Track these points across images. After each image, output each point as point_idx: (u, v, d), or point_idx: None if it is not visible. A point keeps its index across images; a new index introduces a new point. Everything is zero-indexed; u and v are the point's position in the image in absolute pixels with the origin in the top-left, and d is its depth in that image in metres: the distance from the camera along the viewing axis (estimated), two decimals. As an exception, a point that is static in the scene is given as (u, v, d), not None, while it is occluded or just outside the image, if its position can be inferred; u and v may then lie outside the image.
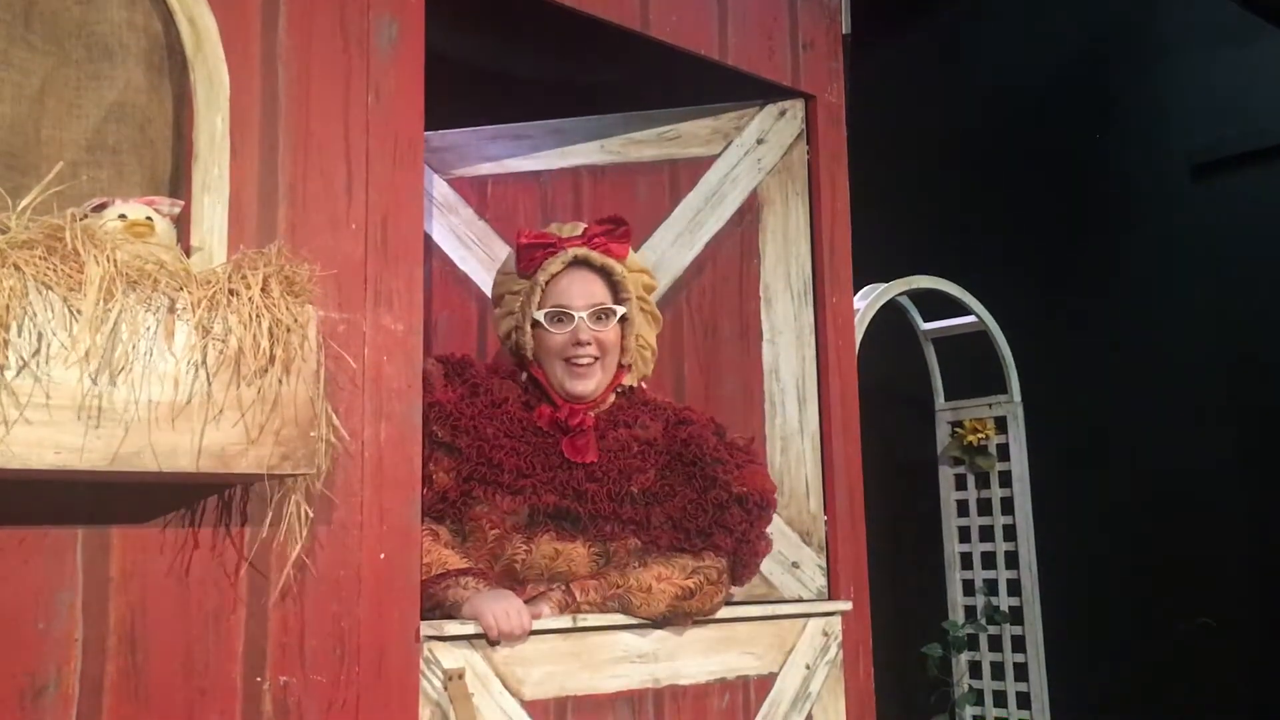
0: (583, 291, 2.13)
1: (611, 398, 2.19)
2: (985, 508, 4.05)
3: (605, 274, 2.16)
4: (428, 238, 2.58)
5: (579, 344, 2.10)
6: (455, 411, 2.07)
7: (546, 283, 2.13)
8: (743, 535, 2.08)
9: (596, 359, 2.12)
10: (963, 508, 4.11)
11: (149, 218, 1.41)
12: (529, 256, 2.15)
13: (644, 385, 2.30)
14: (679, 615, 2.01)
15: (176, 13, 1.53)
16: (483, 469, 2.03)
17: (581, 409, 2.13)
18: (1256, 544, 3.69)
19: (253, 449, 1.36)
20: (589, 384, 2.12)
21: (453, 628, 1.76)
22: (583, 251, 2.14)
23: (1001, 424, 4.01)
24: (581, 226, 2.21)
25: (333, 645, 1.59)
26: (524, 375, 2.19)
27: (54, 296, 1.24)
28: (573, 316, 2.11)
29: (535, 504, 2.02)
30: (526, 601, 1.93)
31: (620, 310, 2.15)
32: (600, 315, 2.13)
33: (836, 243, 2.51)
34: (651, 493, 2.09)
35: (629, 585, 1.98)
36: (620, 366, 2.18)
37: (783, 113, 2.54)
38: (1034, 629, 3.86)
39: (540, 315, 2.12)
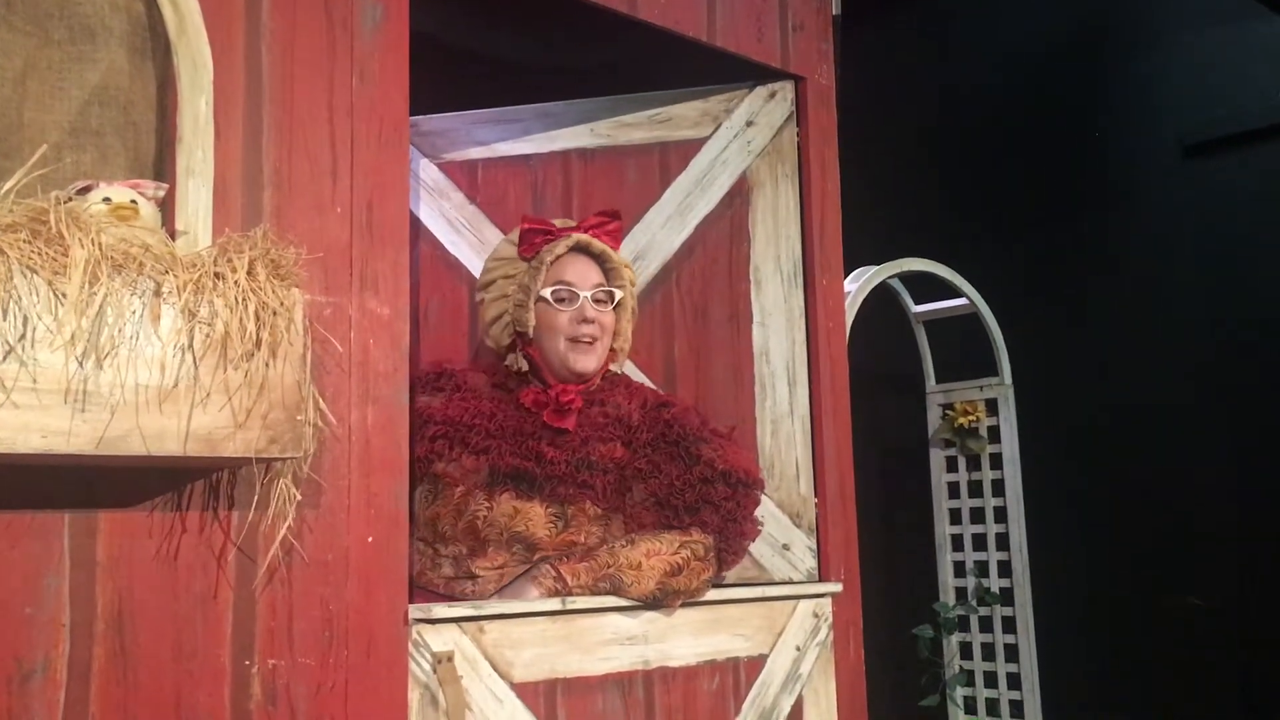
0: (584, 274, 2.23)
1: (597, 381, 2.26)
2: (976, 490, 4.06)
3: (602, 261, 2.25)
4: (418, 222, 2.58)
5: (584, 321, 2.18)
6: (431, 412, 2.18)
7: (552, 262, 2.20)
8: (729, 513, 2.11)
9: (596, 339, 2.20)
10: (953, 490, 4.12)
11: (134, 201, 1.40)
12: (530, 240, 2.23)
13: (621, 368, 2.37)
14: (668, 593, 2.02)
15: (159, -6, 1.52)
16: (447, 428, 2.14)
17: (574, 389, 2.19)
18: (1247, 525, 3.70)
19: (240, 433, 1.36)
20: (592, 360, 2.20)
21: (441, 610, 1.76)
22: (584, 238, 2.24)
23: (992, 406, 4.02)
24: (573, 221, 2.31)
25: (321, 628, 1.59)
26: (510, 358, 2.24)
27: (39, 280, 1.23)
28: (578, 295, 2.20)
29: (496, 464, 2.10)
30: (514, 582, 1.97)
31: (619, 295, 2.24)
32: (600, 298, 2.22)
33: (827, 225, 2.51)
34: (626, 468, 2.15)
35: (619, 564, 2.00)
36: (610, 351, 2.26)
37: (772, 95, 2.53)
38: (1024, 610, 3.88)
39: (547, 292, 2.19)
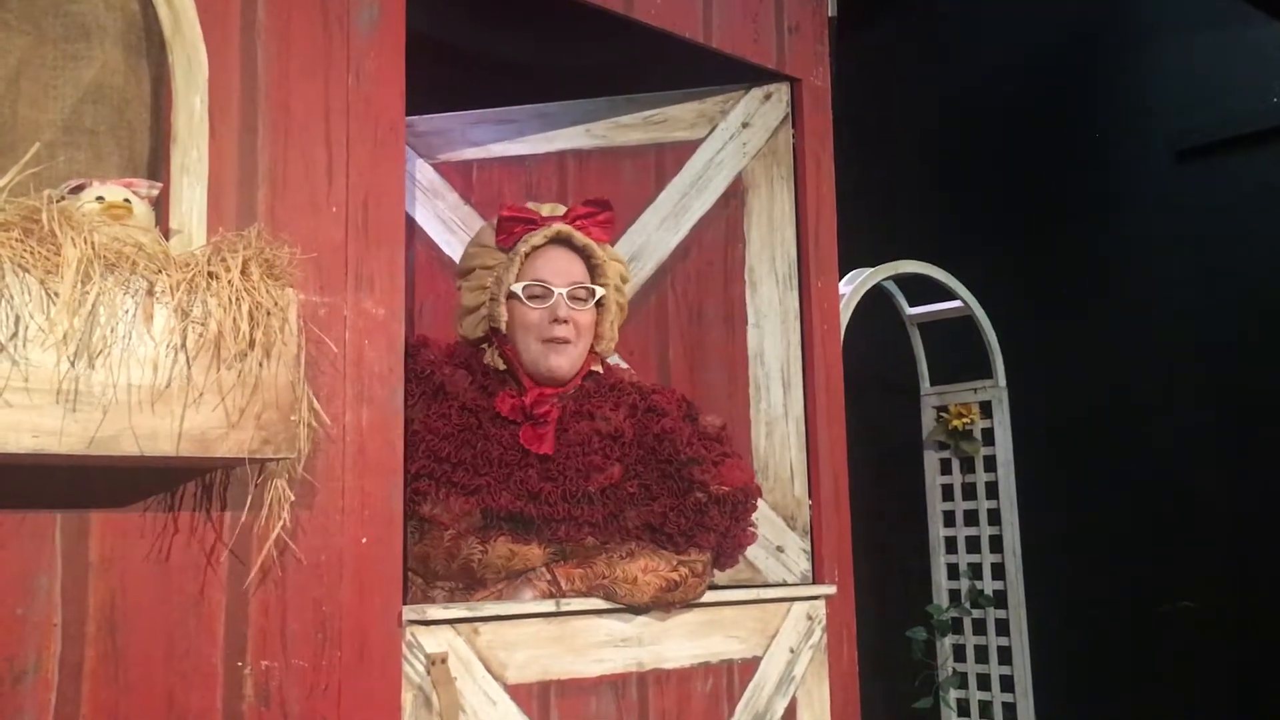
0: (563, 269, 2.09)
1: (578, 382, 2.13)
2: (970, 492, 4.06)
3: (585, 255, 2.12)
4: (413, 223, 2.58)
5: (556, 321, 2.05)
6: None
7: (526, 255, 2.08)
8: (725, 530, 2.06)
9: (571, 340, 2.07)
10: (947, 492, 4.12)
11: (127, 200, 1.40)
12: (509, 230, 2.10)
13: (612, 364, 2.27)
14: (661, 604, 2.01)
15: (154, -8, 1.52)
16: (431, 465, 1.98)
17: (550, 394, 2.08)
18: (1238, 527, 3.70)
19: (233, 433, 1.36)
20: (565, 360, 2.07)
21: (435, 612, 1.76)
22: (566, 229, 2.11)
23: (986, 408, 4.02)
24: (563, 208, 2.17)
25: (314, 630, 1.59)
26: (487, 354, 2.13)
27: (31, 279, 1.23)
28: (551, 292, 2.07)
29: (489, 505, 1.97)
30: (510, 585, 1.95)
31: (599, 292, 2.12)
32: (578, 295, 2.09)
33: (822, 227, 2.50)
34: (618, 490, 2.04)
35: (615, 576, 1.96)
36: (591, 352, 2.14)
37: (768, 96, 2.53)
38: (1018, 613, 3.88)
39: (518, 288, 2.06)
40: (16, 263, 1.22)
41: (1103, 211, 4.10)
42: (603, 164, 2.61)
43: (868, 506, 3.00)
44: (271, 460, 1.46)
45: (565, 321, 2.06)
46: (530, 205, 2.19)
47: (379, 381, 1.69)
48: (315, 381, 1.58)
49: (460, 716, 1.74)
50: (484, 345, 2.15)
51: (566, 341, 2.06)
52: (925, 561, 4.13)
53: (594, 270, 2.13)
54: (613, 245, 2.29)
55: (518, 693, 1.84)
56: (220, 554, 1.52)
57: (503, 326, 2.08)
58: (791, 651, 2.25)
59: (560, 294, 2.07)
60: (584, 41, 2.68)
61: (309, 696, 1.57)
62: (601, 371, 2.19)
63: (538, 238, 2.09)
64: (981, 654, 3.98)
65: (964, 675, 4.00)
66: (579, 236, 2.11)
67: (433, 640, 1.74)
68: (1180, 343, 3.88)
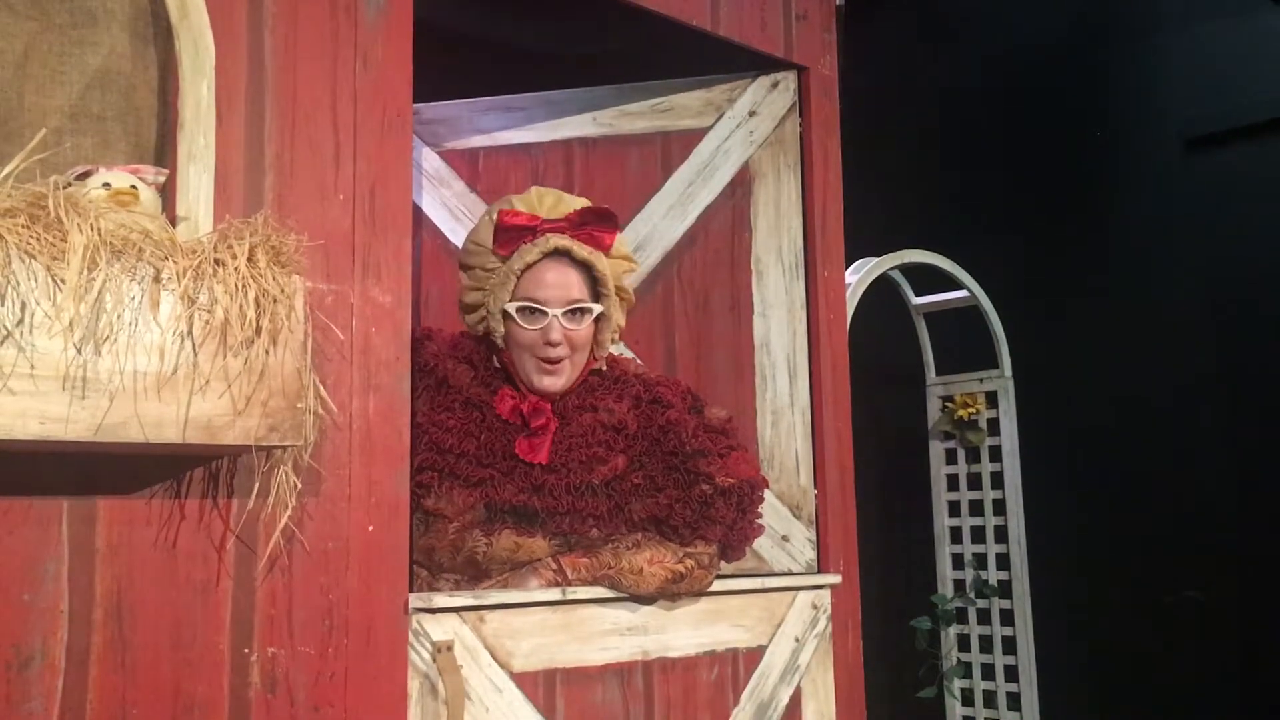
0: (559, 284, 2.02)
1: (577, 385, 2.09)
2: (975, 482, 4.06)
3: (586, 268, 2.05)
4: (419, 211, 2.58)
5: (550, 343, 2.01)
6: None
7: (522, 271, 2.02)
8: (731, 523, 2.04)
9: (564, 358, 2.03)
10: (952, 482, 4.12)
11: (133, 186, 1.39)
12: (507, 239, 2.03)
13: (617, 354, 2.23)
14: (668, 596, 2.01)
15: (161, -22, 1.51)
16: (434, 457, 1.97)
17: (545, 408, 2.04)
18: (1246, 517, 3.70)
19: (240, 420, 1.35)
20: (559, 381, 2.03)
21: (441, 600, 1.76)
22: (565, 243, 2.02)
23: (992, 398, 4.02)
24: (569, 199, 2.10)
25: (321, 617, 1.59)
26: (492, 357, 2.11)
27: (37, 265, 1.22)
28: (546, 313, 2.00)
29: (492, 498, 1.96)
30: (515, 573, 1.95)
31: (597, 309, 2.05)
32: (575, 313, 2.03)
33: (828, 216, 2.50)
34: (623, 482, 2.02)
35: (620, 567, 1.96)
36: (591, 357, 2.09)
37: (775, 84, 2.52)
38: (1022, 603, 3.88)
39: (512, 308, 2.01)
40: (23, 249, 1.22)
41: (1111, 201, 4.09)
42: (609, 152, 2.60)
43: (873, 496, 3.01)
44: (278, 448, 1.46)
45: (559, 343, 2.01)
46: (533, 192, 2.11)
47: (386, 369, 1.69)
48: (322, 369, 1.58)
49: (466, 704, 1.74)
50: (488, 344, 2.11)
51: (560, 360, 2.03)
52: (930, 551, 4.13)
53: (594, 282, 2.06)
54: (610, 246, 2.20)
55: (523, 680, 1.84)
56: (227, 541, 1.52)
57: (499, 341, 2.05)
58: (796, 640, 2.25)
59: (555, 315, 2.01)
60: (591, 29, 2.67)
61: (315, 683, 1.58)
62: (604, 368, 2.14)
63: (533, 253, 2.01)
64: (986, 643, 3.99)
65: (969, 665, 4.01)
66: (579, 250, 2.03)
67: (439, 628, 1.74)
68: (1188, 333, 3.87)
